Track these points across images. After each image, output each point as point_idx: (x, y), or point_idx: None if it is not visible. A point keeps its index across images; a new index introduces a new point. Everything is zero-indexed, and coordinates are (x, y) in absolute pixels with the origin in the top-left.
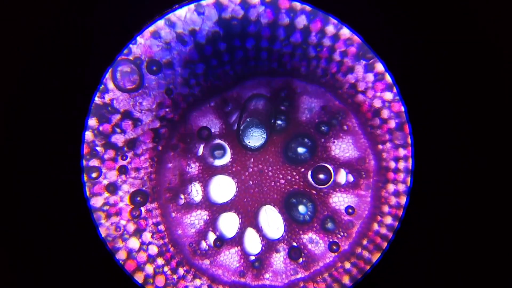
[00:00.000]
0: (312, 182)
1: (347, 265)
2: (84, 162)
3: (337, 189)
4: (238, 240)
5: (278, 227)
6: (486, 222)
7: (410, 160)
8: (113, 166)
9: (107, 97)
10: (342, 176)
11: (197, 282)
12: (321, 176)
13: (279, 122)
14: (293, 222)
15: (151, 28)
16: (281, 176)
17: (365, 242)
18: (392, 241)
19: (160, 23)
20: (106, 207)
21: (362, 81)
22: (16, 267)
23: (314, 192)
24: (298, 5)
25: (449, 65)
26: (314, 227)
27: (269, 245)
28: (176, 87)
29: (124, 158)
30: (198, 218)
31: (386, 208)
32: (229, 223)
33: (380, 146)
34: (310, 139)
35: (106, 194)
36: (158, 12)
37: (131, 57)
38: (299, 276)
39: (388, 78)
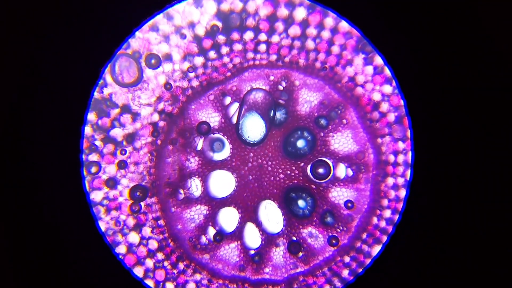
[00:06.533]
0: (312, 177)
1: (347, 259)
2: (84, 157)
3: (337, 184)
4: (237, 234)
5: (277, 221)
6: (486, 216)
7: (409, 154)
8: (112, 161)
9: (106, 92)
10: (342, 171)
11: (197, 276)
12: (321, 170)
13: (278, 115)
14: (292, 217)
15: (150, 22)
16: (280, 171)
17: (364, 236)
18: (392, 234)
19: (159, 17)
20: (105, 202)
21: (361, 74)
22: (15, 262)
23: (314, 186)
24: None
25: (449, 58)
26: (314, 222)
27: (269, 240)
28: (175, 81)
29: (123, 152)
30: (197, 212)
31: (385, 202)
32: (228, 218)
33: (379, 140)
34: (309, 133)
35: (106, 189)
36: (157, 7)
37: (129, 51)
38: (298, 270)
39: (387, 71)
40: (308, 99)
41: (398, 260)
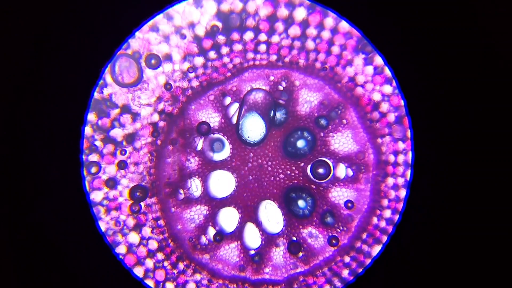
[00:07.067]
0: (312, 177)
1: (347, 259)
2: (84, 157)
3: (337, 184)
4: (238, 234)
5: (277, 221)
6: (486, 216)
7: (409, 154)
8: (112, 161)
9: (106, 92)
10: (342, 171)
11: (197, 276)
12: (321, 170)
13: (278, 116)
14: (292, 217)
15: (150, 23)
16: (280, 171)
17: (364, 236)
18: (392, 234)
19: (159, 17)
20: (105, 202)
21: (361, 75)
22: (15, 262)
23: (314, 186)
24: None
25: (449, 58)
26: (314, 222)
27: (269, 240)
28: (175, 81)
29: (123, 152)
30: (197, 213)
31: (385, 202)
32: (229, 218)
33: (379, 140)
34: (309, 133)
35: (106, 189)
36: (157, 7)
37: (129, 52)
38: (298, 270)
39: (387, 71)
40: (308, 99)
41: (398, 260)
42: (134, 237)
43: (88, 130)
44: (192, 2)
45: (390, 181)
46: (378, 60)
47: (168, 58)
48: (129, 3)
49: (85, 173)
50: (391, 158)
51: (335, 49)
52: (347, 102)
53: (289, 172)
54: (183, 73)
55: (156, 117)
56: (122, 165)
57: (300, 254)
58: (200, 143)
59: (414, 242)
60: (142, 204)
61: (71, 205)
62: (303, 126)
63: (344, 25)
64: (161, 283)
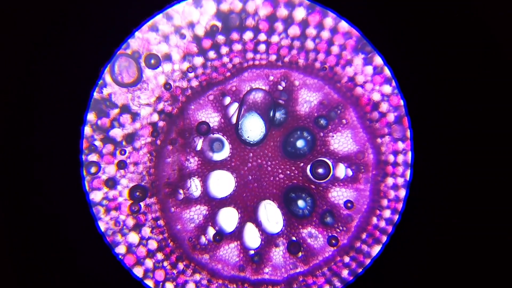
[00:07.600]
0: (311, 177)
1: (346, 259)
2: (83, 157)
3: (336, 184)
4: (237, 234)
5: (277, 221)
6: (487, 216)
7: (409, 154)
8: (112, 161)
9: (105, 92)
10: (341, 171)
11: (197, 276)
12: (320, 170)
13: (277, 115)
14: (292, 217)
15: (150, 23)
16: (280, 171)
17: (364, 236)
18: (392, 234)
19: (158, 17)
20: (105, 202)
21: (360, 75)
22: (14, 262)
23: (313, 186)
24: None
25: (449, 58)
26: (313, 222)
27: (269, 240)
28: (175, 81)
29: (122, 152)
30: (197, 213)
31: (385, 202)
32: (228, 218)
33: (379, 140)
34: (309, 133)
35: (105, 189)
36: (157, 7)
37: (129, 51)
38: (298, 270)
39: (387, 71)
40: (308, 99)
41: (397, 260)
42: (133, 237)
43: (87, 130)
44: (192, 2)
45: (390, 181)
46: (378, 60)
47: (168, 58)
48: (129, 3)
49: (84, 173)
50: (391, 158)
51: (335, 49)
52: (346, 102)
53: (288, 172)
54: (182, 73)
55: (155, 117)
56: (122, 165)
57: (300, 254)
58: (199, 143)
59: (414, 242)
60: (142, 204)
61: (70, 205)
62: (302, 126)
63: (344, 25)
64: (161, 283)
